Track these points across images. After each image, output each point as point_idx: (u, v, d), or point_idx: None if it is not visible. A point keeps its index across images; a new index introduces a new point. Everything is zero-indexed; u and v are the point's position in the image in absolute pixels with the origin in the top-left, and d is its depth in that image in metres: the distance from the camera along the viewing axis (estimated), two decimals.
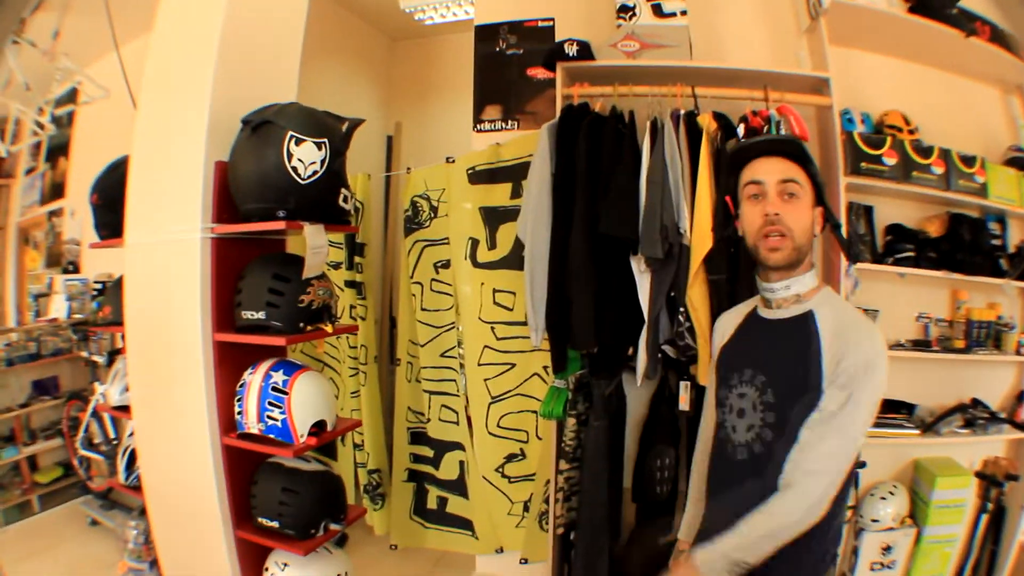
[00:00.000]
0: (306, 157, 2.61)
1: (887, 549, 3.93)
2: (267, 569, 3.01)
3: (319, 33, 3.44)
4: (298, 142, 2.60)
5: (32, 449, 6.54)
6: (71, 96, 6.67)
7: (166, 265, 2.98)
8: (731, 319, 2.40)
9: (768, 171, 2.17)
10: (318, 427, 2.84)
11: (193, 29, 3.07)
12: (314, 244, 2.65)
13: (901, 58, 4.29)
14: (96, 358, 6.59)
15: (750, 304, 2.37)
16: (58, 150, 7.91)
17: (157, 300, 3.09)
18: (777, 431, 2.08)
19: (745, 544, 1.97)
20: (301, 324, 2.77)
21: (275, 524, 2.86)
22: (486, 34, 4.79)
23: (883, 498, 3.93)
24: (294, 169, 2.60)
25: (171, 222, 2.95)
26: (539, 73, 4.50)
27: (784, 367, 2.10)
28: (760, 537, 1.97)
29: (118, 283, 3.45)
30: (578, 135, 3.70)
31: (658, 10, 4.05)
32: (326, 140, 2.67)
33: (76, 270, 7.43)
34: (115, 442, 5.63)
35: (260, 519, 2.91)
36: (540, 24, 4.66)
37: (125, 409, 3.47)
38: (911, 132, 4.08)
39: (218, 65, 2.92)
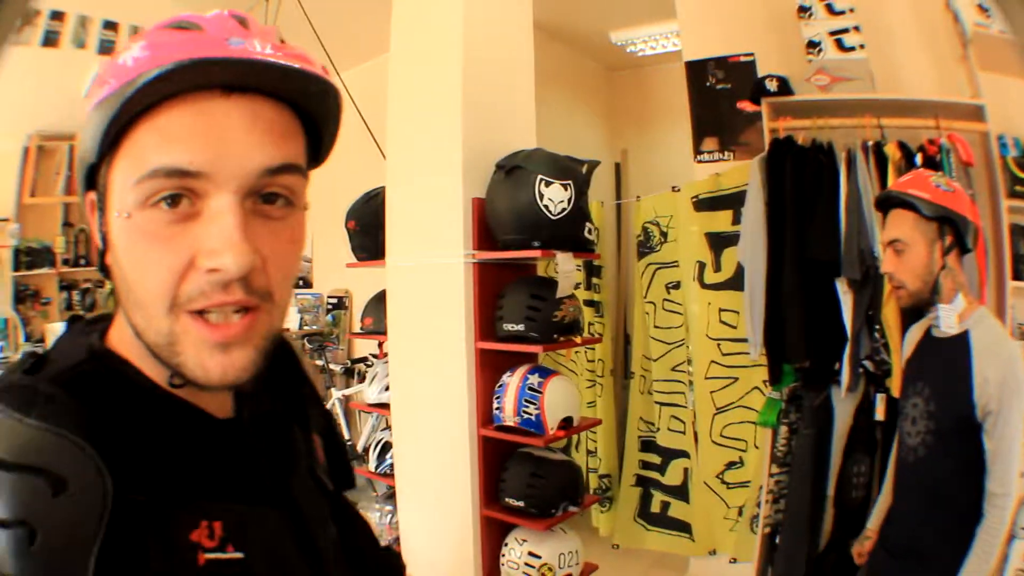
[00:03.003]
0: (555, 196, 3.13)
1: None
2: (506, 544, 3.49)
3: (540, 68, 3.85)
4: (547, 184, 3.13)
5: None
6: None
7: (430, 284, 3.56)
8: (914, 334, 2.73)
9: (885, 229, 2.59)
10: (565, 422, 3.36)
11: (434, 78, 3.60)
12: (565, 269, 3.18)
13: None
14: (333, 366, 7.25)
15: (929, 320, 2.64)
16: None
17: (421, 313, 3.68)
18: (936, 439, 2.48)
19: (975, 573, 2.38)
20: (555, 335, 3.30)
21: (521, 504, 3.37)
22: (696, 70, 5.19)
23: None
24: (545, 207, 3.12)
25: (433, 247, 3.54)
26: (747, 106, 4.76)
27: (944, 382, 2.47)
28: (982, 561, 2.37)
29: (378, 297, 4.06)
30: (785, 167, 4.13)
31: (840, 44, 4.43)
32: (571, 181, 3.18)
33: (308, 285, 8.15)
34: (349, 442, 6.34)
35: (507, 499, 3.42)
36: (742, 59, 5.01)
37: (381, 406, 4.03)
38: None
39: (464, 114, 3.44)
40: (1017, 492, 2.35)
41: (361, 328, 4.20)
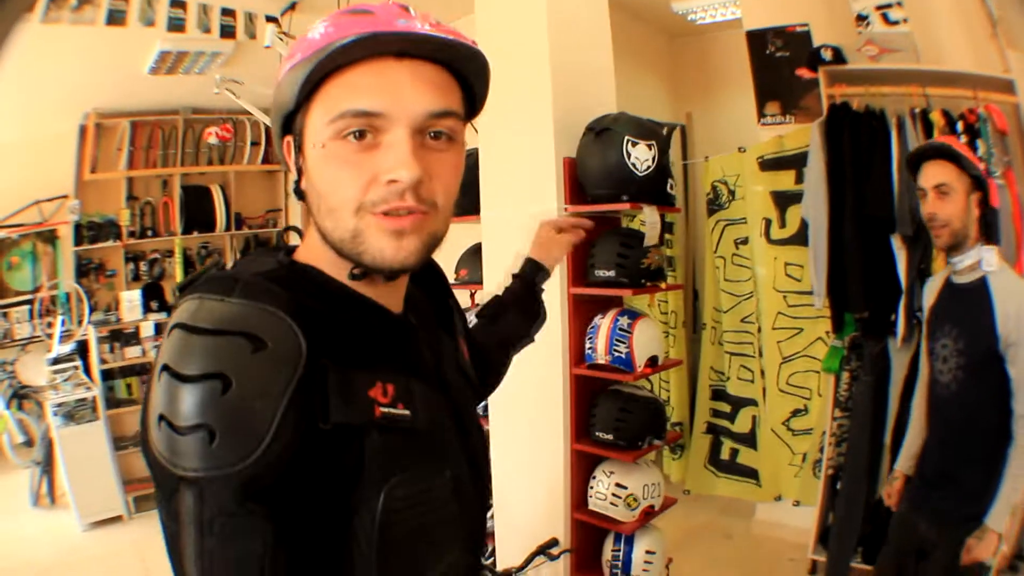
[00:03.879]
0: (641, 155, 3.44)
1: None
2: (594, 476, 3.77)
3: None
4: (634, 144, 3.43)
5: None
6: None
7: (524, 237, 3.58)
8: (934, 284, 3.09)
9: (927, 177, 2.93)
10: (652, 360, 3.66)
11: (521, 44, 3.89)
12: (651, 221, 3.49)
13: None
14: None
15: (945, 272, 3.04)
16: None
17: (516, 264, 3.94)
18: (966, 373, 2.86)
19: (1011, 493, 2.76)
20: (642, 280, 3.58)
21: (610, 437, 3.66)
22: (756, 39, 5.55)
23: None
24: (632, 165, 3.43)
25: (526, 203, 3.85)
26: (805, 73, 5.15)
27: (971, 321, 2.84)
28: (1017, 479, 2.76)
29: (476, 249, 4.37)
30: (842, 130, 4.57)
31: (886, 18, 4.88)
32: (654, 142, 3.48)
33: None
34: None
35: (597, 433, 3.71)
36: (798, 29, 5.35)
37: None
38: None
39: (553, 78, 3.74)
40: None
41: (456, 279, 4.47)
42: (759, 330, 5.73)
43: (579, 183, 3.75)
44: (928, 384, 3.16)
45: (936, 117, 4.37)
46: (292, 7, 6.03)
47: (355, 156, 1.14)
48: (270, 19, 5.92)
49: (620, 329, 3.66)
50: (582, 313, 3.84)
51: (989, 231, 3.00)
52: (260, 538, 1.03)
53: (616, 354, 3.65)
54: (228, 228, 8.99)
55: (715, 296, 6.12)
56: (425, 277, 1.60)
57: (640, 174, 3.49)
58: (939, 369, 3.00)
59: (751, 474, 5.92)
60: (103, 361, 7.53)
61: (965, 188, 2.88)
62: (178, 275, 8.35)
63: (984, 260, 2.88)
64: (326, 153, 1.16)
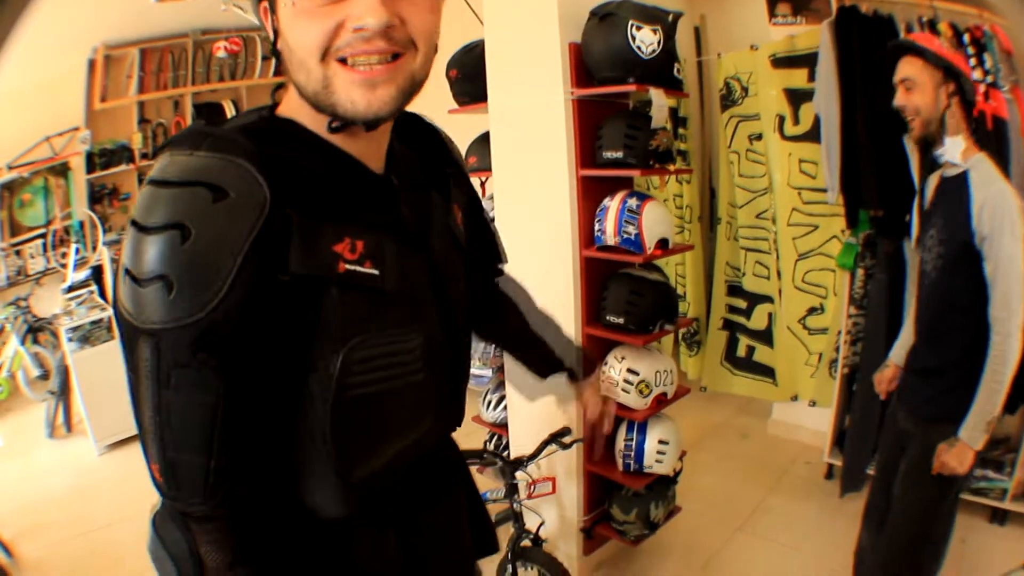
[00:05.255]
0: (646, 39, 3.47)
1: None
2: (606, 363, 3.87)
3: None
4: (638, 28, 3.46)
5: None
6: None
7: (532, 121, 3.91)
8: (932, 181, 3.12)
9: (897, 72, 2.98)
10: (662, 244, 3.70)
11: None
12: (658, 103, 3.55)
13: None
14: None
15: (943, 168, 3.05)
16: None
17: (525, 148, 3.99)
18: (946, 263, 2.89)
19: (986, 405, 2.75)
20: (651, 162, 3.62)
21: (621, 320, 3.72)
22: None
23: None
24: (638, 48, 3.46)
25: (533, 89, 3.86)
26: None
27: (950, 212, 2.88)
28: (992, 392, 2.74)
29: (483, 138, 4.44)
30: (852, 31, 4.59)
31: None
32: (659, 26, 3.51)
33: None
34: None
35: (608, 316, 3.78)
36: None
37: None
38: None
39: None
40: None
41: (468, 166, 4.52)
42: (775, 225, 5.70)
43: (586, 68, 3.77)
44: (918, 275, 3.21)
45: (944, 28, 4.37)
46: None
47: (324, 8, 1.16)
48: None
49: (629, 210, 3.70)
50: (591, 195, 3.89)
51: (972, 124, 3.01)
52: (213, 390, 1.10)
53: (625, 235, 3.70)
54: None
55: (730, 191, 6.11)
56: (425, 141, 1.64)
57: (645, 57, 3.52)
58: (925, 259, 3.06)
59: (767, 372, 5.99)
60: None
61: (933, 80, 2.91)
62: None
63: (947, 150, 2.93)
64: (296, 10, 1.17)
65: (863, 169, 4.57)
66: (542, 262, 3.95)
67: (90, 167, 8.31)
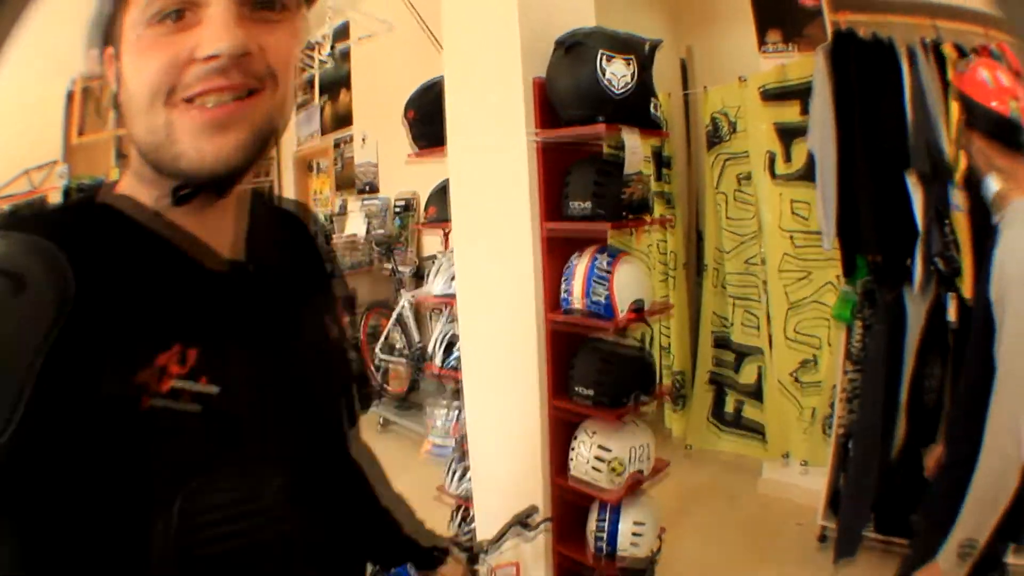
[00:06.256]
0: (617, 71, 3.01)
1: None
2: (575, 438, 3.42)
3: None
4: (609, 59, 3.00)
5: None
6: (340, 32, 7.55)
7: (493, 167, 3.46)
8: None
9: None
10: (637, 305, 3.23)
11: None
12: (632, 145, 3.06)
13: None
14: (402, 268, 7.26)
15: None
16: (335, 84, 8.78)
17: (485, 198, 3.60)
18: (975, 331, 2.32)
19: (968, 529, 2.11)
20: (624, 214, 3.19)
21: (591, 392, 3.26)
22: None
23: None
24: (608, 82, 2.99)
25: (495, 131, 3.43)
26: (808, 1, 4.79)
27: (980, 270, 2.35)
28: (977, 512, 2.11)
29: (441, 189, 4.00)
30: (849, 58, 4.15)
31: None
32: (633, 56, 3.05)
33: (374, 190, 8.24)
34: (419, 344, 6.36)
35: (577, 388, 3.32)
36: None
37: (448, 298, 3.96)
38: None
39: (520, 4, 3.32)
40: None
41: (425, 218, 4.23)
42: (765, 272, 5.31)
43: (551, 107, 3.30)
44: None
45: (948, 50, 4.02)
46: None
47: (169, 38, 0.91)
48: None
49: (599, 270, 3.22)
50: (558, 251, 3.43)
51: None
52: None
53: (595, 299, 3.23)
54: None
55: (717, 236, 5.70)
56: (294, 225, 1.35)
57: (617, 93, 3.04)
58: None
59: (757, 430, 5.54)
60: None
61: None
62: None
63: (985, 185, 2.46)
64: (140, 43, 0.92)
65: (862, 210, 4.12)
66: (505, 326, 3.57)
67: None
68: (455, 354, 3.98)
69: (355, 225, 8.35)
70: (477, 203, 3.67)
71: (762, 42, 5.06)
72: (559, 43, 3.17)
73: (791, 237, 4.97)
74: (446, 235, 4.14)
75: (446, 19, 3.78)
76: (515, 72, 3.30)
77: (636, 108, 3.14)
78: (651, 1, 7.14)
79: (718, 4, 6.88)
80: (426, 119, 3.92)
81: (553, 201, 3.35)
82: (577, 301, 3.27)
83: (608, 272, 3.19)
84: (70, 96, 7.89)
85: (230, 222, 1.12)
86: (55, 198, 7.65)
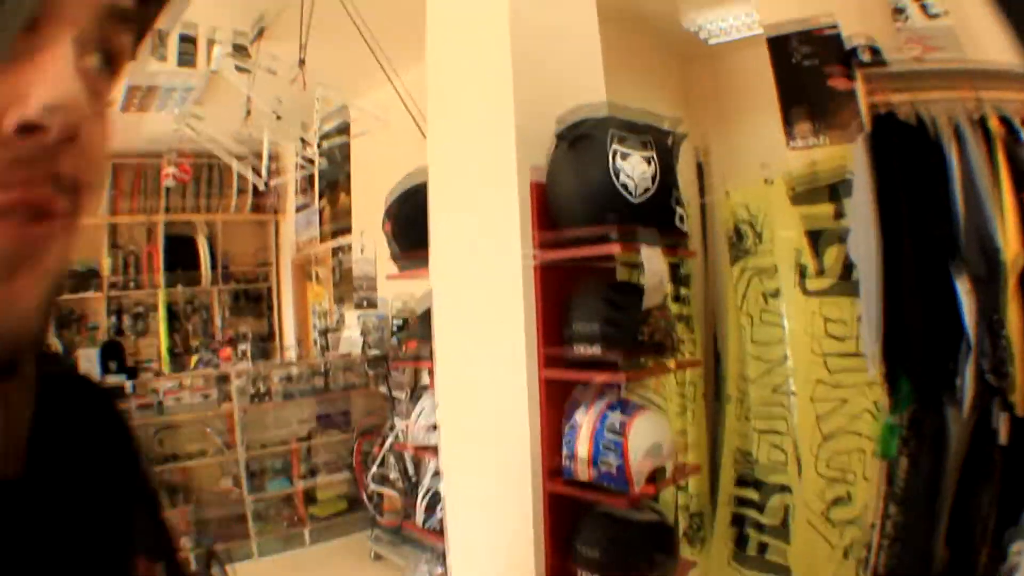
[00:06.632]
0: (635, 171, 2.35)
1: None
2: None
3: (609, 59, 3.39)
4: (624, 156, 2.34)
5: (312, 482, 6.84)
6: (342, 129, 7.04)
7: (482, 296, 2.86)
8: None
9: None
10: (656, 474, 2.55)
11: (478, 35, 2.92)
12: (653, 269, 2.35)
13: None
14: (397, 394, 6.66)
15: None
16: (335, 185, 8.29)
17: (472, 333, 2.96)
18: None
19: None
20: (641, 358, 2.50)
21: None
22: (778, 46, 4.54)
23: None
24: (623, 186, 2.33)
25: (484, 249, 2.82)
26: (839, 84, 4.23)
27: None
28: None
29: (425, 316, 3.36)
30: (891, 146, 3.54)
31: (926, 10, 3.93)
32: (654, 153, 2.39)
33: (371, 305, 7.65)
34: (414, 479, 5.69)
35: (582, 572, 2.61)
36: (827, 31, 4.38)
37: (428, 450, 3.37)
38: None
39: (515, 84, 2.70)
40: None
41: (403, 353, 3.71)
42: (794, 401, 4.54)
43: (552, 216, 2.63)
44: None
45: (994, 124, 3.38)
46: (260, 34, 5.46)
47: None
48: (238, 48, 5.39)
49: (610, 430, 2.47)
50: (558, 401, 2.69)
51: None
52: None
53: (604, 468, 2.48)
54: (215, 282, 8.51)
55: (741, 362, 4.95)
56: (95, 397, 0.83)
57: (635, 199, 2.36)
58: None
59: (783, 572, 4.69)
60: None
61: None
62: (162, 332, 8.13)
63: None
64: None
65: (910, 322, 3.49)
66: (494, 491, 2.87)
67: None
68: (438, 515, 3.32)
69: (350, 342, 7.88)
70: (462, 340, 3.04)
71: (790, 135, 4.48)
72: (560, 136, 2.52)
73: (824, 361, 4.32)
74: (430, 375, 3.44)
75: (431, 104, 3.23)
76: (509, 174, 2.65)
77: (658, 216, 2.44)
78: (660, 96, 6.73)
79: (737, 95, 6.40)
80: (407, 231, 3.32)
81: (554, 336, 2.64)
82: (583, 469, 2.54)
83: (621, 435, 2.45)
84: None
85: (5, 419, 0.66)
86: None
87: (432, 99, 3.20)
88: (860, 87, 3.81)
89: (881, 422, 3.90)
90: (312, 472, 6.89)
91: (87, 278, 7.69)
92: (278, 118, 5.42)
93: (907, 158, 3.55)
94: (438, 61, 3.15)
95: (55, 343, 7.42)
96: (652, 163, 2.37)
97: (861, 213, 3.64)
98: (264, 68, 5.29)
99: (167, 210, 8.18)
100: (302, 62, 5.24)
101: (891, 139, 3.58)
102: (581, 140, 2.39)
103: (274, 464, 6.77)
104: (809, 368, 4.37)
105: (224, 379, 6.68)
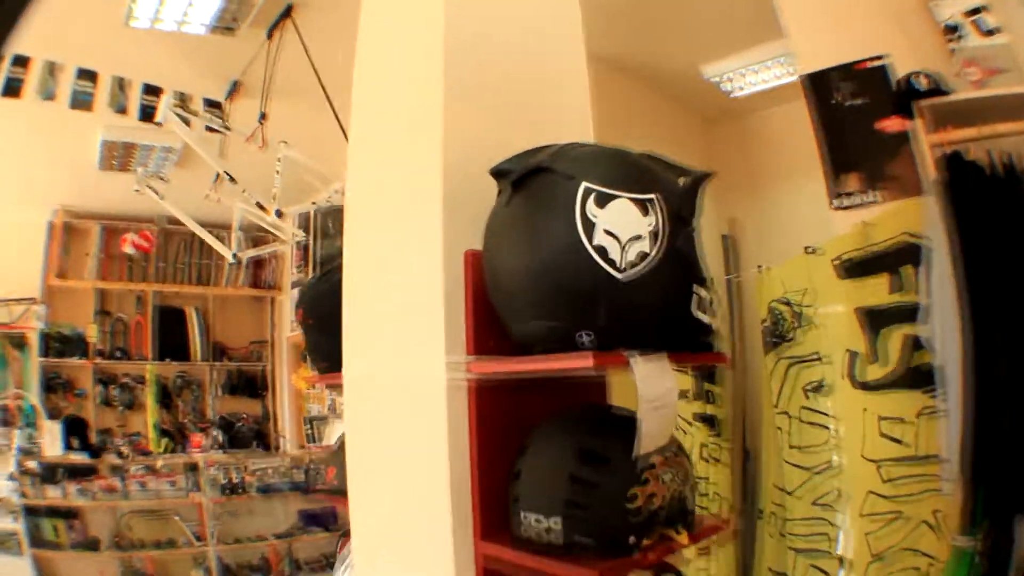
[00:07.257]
0: (620, 227, 1.30)
1: None
2: None
3: (624, 120, 3.15)
4: (601, 199, 1.32)
5: None
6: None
7: (398, 417, 1.85)
8: None
9: None
10: None
11: (406, 57, 2.01)
12: (650, 393, 1.29)
13: None
14: None
15: None
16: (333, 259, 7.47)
17: (389, 472, 1.94)
18: None
19: None
20: (630, 539, 1.38)
21: None
22: (817, 84, 3.78)
23: None
24: (599, 250, 1.29)
25: (403, 352, 1.83)
26: (892, 125, 3.42)
27: None
28: None
29: (343, 444, 2.41)
30: (969, 196, 2.95)
31: (979, 27, 3.39)
32: (655, 196, 1.35)
33: None
34: None
35: None
36: (872, 64, 3.60)
37: None
38: None
39: (446, 101, 1.76)
40: None
41: (322, 485, 2.97)
42: (841, 515, 3.71)
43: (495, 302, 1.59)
44: None
45: None
46: (235, 88, 4.98)
47: None
48: (211, 103, 4.90)
49: None
50: None
51: None
52: None
53: None
54: (207, 358, 7.63)
55: (777, 470, 4.09)
56: None
57: (621, 275, 1.29)
58: None
59: None
60: (23, 495, 6.06)
61: None
62: (150, 407, 7.18)
63: None
64: None
65: (1001, 419, 2.75)
66: None
67: (44, 350, 6.79)
68: None
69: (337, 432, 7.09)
70: (376, 479, 2.02)
71: (834, 193, 3.64)
72: (498, 173, 1.48)
73: (879, 468, 3.45)
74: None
75: (351, 177, 2.27)
76: (433, 242, 1.65)
77: (661, 306, 1.35)
78: (681, 159, 5.84)
79: (767, 156, 5.62)
80: (323, 323, 2.50)
81: (497, 501, 1.55)
82: None
83: None
84: (51, 228, 6.83)
85: None
86: (32, 339, 6.74)
87: (351, 167, 2.23)
88: (920, 125, 3.17)
89: (945, 540, 3.15)
90: (296, 569, 6.35)
91: (74, 343, 6.94)
92: (232, 180, 4.75)
93: (987, 210, 2.89)
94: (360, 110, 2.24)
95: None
96: (652, 213, 1.33)
97: (935, 285, 2.98)
98: (206, 120, 4.72)
99: (156, 278, 7.44)
100: (263, 116, 4.65)
101: (967, 185, 2.93)
102: (532, 177, 1.38)
103: (250, 560, 6.30)
104: (860, 476, 3.58)
105: (194, 468, 6.29)
